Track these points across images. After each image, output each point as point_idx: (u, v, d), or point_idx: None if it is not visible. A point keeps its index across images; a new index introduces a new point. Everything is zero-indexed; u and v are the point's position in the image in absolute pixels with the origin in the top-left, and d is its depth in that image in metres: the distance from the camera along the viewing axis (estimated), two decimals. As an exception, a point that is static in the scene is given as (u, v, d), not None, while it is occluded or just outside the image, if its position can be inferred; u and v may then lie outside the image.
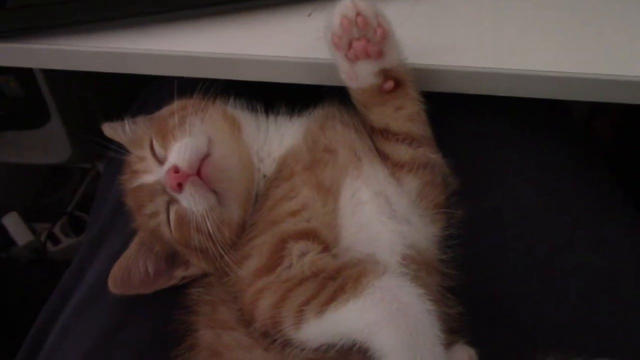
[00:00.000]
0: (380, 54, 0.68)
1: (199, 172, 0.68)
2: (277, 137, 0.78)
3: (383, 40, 0.67)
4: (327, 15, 0.68)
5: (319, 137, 0.75)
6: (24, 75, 1.15)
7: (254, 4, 0.78)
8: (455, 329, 0.66)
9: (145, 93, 1.09)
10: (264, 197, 0.73)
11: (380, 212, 0.69)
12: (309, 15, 0.78)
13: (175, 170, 0.66)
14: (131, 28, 0.78)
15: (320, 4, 0.77)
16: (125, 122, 0.82)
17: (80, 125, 1.26)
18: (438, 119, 0.76)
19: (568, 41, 0.72)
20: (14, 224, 1.64)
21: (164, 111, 0.79)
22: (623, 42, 0.71)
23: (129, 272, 0.74)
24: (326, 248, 0.66)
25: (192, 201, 0.67)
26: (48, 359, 0.78)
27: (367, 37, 0.66)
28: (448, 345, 0.60)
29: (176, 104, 0.76)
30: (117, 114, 0.84)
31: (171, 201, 0.70)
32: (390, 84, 0.71)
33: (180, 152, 0.68)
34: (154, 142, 0.73)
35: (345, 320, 0.57)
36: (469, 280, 0.71)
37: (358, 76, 0.71)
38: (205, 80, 0.77)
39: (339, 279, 0.60)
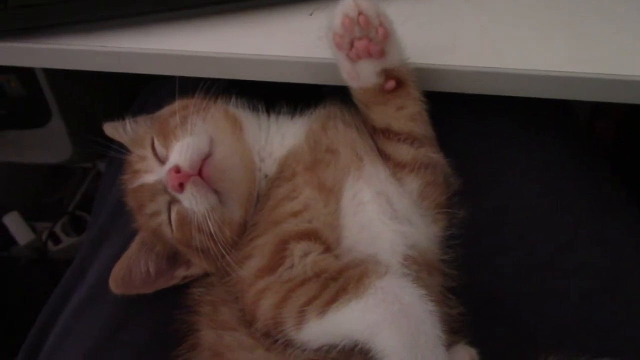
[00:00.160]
0: (382, 54, 0.68)
1: (201, 172, 0.67)
2: (279, 137, 0.78)
3: (385, 39, 0.67)
4: (329, 15, 0.67)
5: (321, 137, 0.75)
6: (25, 74, 1.15)
7: (255, 3, 0.78)
8: (457, 330, 0.66)
9: (147, 92, 1.09)
10: (266, 197, 0.73)
11: (382, 213, 0.69)
12: (311, 14, 0.77)
13: (177, 170, 0.66)
14: (132, 27, 0.78)
15: (321, 3, 0.77)
16: (127, 121, 0.83)
17: (81, 125, 1.25)
18: (439, 119, 0.76)
19: (570, 41, 0.72)
20: (15, 223, 1.64)
21: (166, 110, 0.79)
22: (626, 42, 0.71)
23: (130, 271, 0.74)
24: (328, 248, 0.66)
25: (193, 201, 0.67)
26: (48, 359, 0.78)
27: (369, 36, 0.66)
28: (449, 345, 0.60)
29: (177, 104, 0.76)
30: (118, 114, 0.84)
31: (172, 201, 0.70)
32: (391, 84, 0.71)
33: (181, 152, 0.68)
34: (155, 141, 0.73)
35: (347, 320, 0.57)
36: (471, 280, 0.71)
37: (360, 76, 0.71)
38: (206, 79, 0.77)
39: (341, 280, 0.60)
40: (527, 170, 0.84)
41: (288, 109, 0.81)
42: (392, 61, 0.69)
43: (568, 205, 0.81)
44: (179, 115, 0.72)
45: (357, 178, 0.71)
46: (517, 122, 0.87)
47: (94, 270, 0.85)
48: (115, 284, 0.73)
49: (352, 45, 0.67)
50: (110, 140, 0.82)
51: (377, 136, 0.76)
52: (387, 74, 0.71)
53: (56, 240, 1.67)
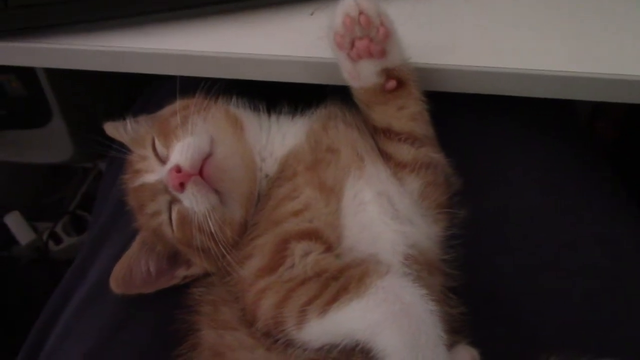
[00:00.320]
0: (382, 53, 0.68)
1: (201, 172, 0.67)
2: (280, 137, 0.78)
3: (386, 39, 0.67)
4: (330, 14, 0.67)
5: (322, 137, 0.75)
6: (26, 74, 1.15)
7: (255, 3, 0.78)
8: (458, 329, 0.66)
9: (147, 92, 1.09)
10: (266, 197, 0.73)
11: (383, 212, 0.69)
12: (312, 14, 0.77)
13: (178, 169, 0.66)
14: (132, 27, 0.78)
15: (322, 3, 0.77)
16: (127, 121, 0.82)
17: (82, 125, 1.26)
18: (440, 119, 0.76)
19: (570, 41, 0.72)
20: (16, 223, 1.64)
21: (166, 110, 0.79)
22: (626, 42, 0.71)
23: (131, 271, 0.74)
24: (329, 248, 0.66)
25: (194, 201, 0.67)
26: (49, 359, 0.78)
27: (369, 36, 0.66)
28: (451, 345, 0.60)
29: (178, 103, 0.76)
30: (119, 113, 0.84)
31: (173, 201, 0.70)
32: (392, 84, 0.71)
33: (182, 152, 0.68)
34: (156, 141, 0.73)
35: (348, 320, 0.57)
36: (471, 280, 0.71)
37: (360, 75, 0.71)
38: (207, 79, 0.77)
39: (342, 279, 0.60)
40: (529, 170, 0.84)
41: (289, 108, 0.81)
42: (393, 61, 0.69)
43: (569, 205, 0.81)
44: (180, 115, 0.72)
45: (358, 178, 0.71)
46: (519, 122, 0.87)
47: (94, 270, 0.85)
48: (116, 284, 0.73)
49: (353, 44, 0.67)
50: (111, 140, 0.82)
51: (378, 136, 0.76)
52: (388, 73, 0.70)
53: (57, 240, 1.67)
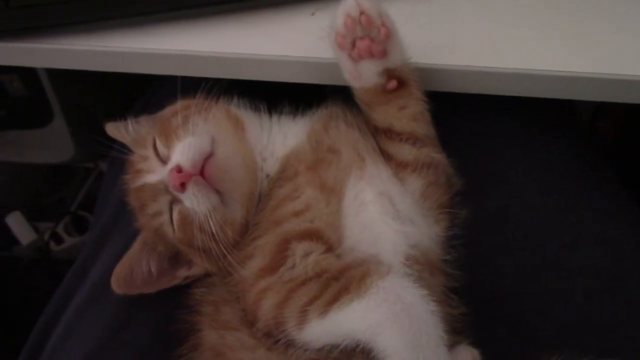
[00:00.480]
0: (383, 53, 0.68)
1: (202, 172, 0.67)
2: (281, 137, 0.78)
3: (387, 39, 0.67)
4: (331, 15, 0.67)
5: (323, 137, 0.75)
6: (28, 74, 1.15)
7: (256, 3, 0.78)
8: (459, 330, 0.66)
9: (148, 93, 1.09)
10: (267, 197, 0.73)
11: (384, 213, 0.69)
12: (313, 14, 0.77)
13: (178, 169, 0.66)
14: (133, 27, 0.78)
15: (323, 3, 0.77)
16: (128, 121, 0.83)
17: (83, 125, 1.26)
18: (441, 119, 0.76)
19: (570, 41, 0.72)
20: (17, 223, 1.64)
21: (167, 111, 0.79)
22: (626, 42, 0.71)
23: (132, 271, 0.74)
24: (330, 248, 0.66)
25: (195, 201, 0.67)
26: (51, 359, 0.78)
27: (370, 36, 0.66)
28: (452, 346, 0.60)
29: (179, 104, 0.76)
30: (120, 114, 0.84)
31: (174, 201, 0.70)
32: (393, 84, 0.71)
33: (183, 152, 0.68)
34: (157, 141, 0.73)
35: (349, 320, 0.57)
36: (472, 280, 0.71)
37: (362, 76, 0.71)
38: (208, 79, 0.77)
39: (343, 280, 0.60)
40: (529, 170, 0.84)
41: (290, 109, 0.81)
42: (394, 61, 0.69)
43: (570, 205, 0.81)
44: (181, 115, 0.72)
45: (359, 178, 0.71)
46: (520, 122, 0.87)
47: (96, 270, 0.85)
48: (117, 284, 0.73)
49: (354, 45, 0.67)
50: (112, 141, 0.82)
51: (379, 136, 0.76)
52: (389, 73, 0.70)
53: (58, 240, 1.68)
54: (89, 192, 1.74)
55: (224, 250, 0.68)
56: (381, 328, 0.55)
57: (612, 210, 0.82)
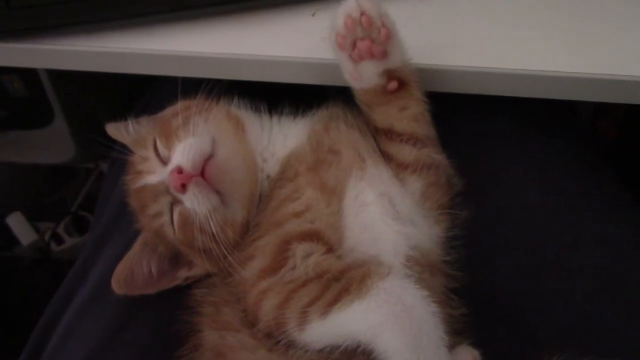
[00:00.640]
0: (384, 54, 0.68)
1: (203, 173, 0.67)
2: (281, 138, 0.78)
3: (387, 40, 0.67)
4: (331, 15, 0.67)
5: (323, 138, 0.75)
6: (28, 75, 1.15)
7: (257, 3, 0.78)
8: (460, 331, 0.66)
9: (149, 93, 1.09)
10: (268, 198, 0.73)
11: (384, 213, 0.69)
12: (313, 15, 0.77)
13: (179, 170, 0.66)
14: (134, 28, 0.78)
15: (324, 3, 0.77)
16: (129, 122, 0.82)
17: (84, 126, 1.26)
18: (442, 119, 0.76)
19: (570, 41, 0.72)
20: (18, 223, 1.64)
21: (168, 111, 0.79)
22: (626, 42, 0.71)
23: (133, 272, 0.74)
24: (330, 249, 0.66)
25: (195, 202, 0.67)
26: (51, 359, 0.78)
27: (371, 37, 0.66)
28: (452, 346, 0.60)
29: (180, 105, 0.76)
30: (120, 114, 0.84)
31: (175, 202, 0.70)
32: (394, 84, 0.71)
33: (183, 153, 0.68)
34: (158, 142, 0.73)
35: (349, 321, 0.57)
36: (472, 281, 0.71)
37: (362, 76, 0.71)
38: (208, 80, 0.77)
39: (343, 280, 0.60)
40: (530, 169, 0.84)
41: (290, 109, 0.81)
42: (394, 62, 0.69)
43: (571, 205, 0.81)
44: (181, 116, 0.72)
45: (360, 179, 0.71)
46: (520, 122, 0.87)
47: (96, 271, 0.85)
48: (118, 285, 0.73)
49: (354, 45, 0.67)
50: (113, 141, 0.82)
51: (380, 137, 0.76)
52: (390, 74, 0.70)
53: (59, 241, 1.68)
54: (90, 192, 1.74)
55: (224, 251, 0.68)
56: (382, 329, 0.55)
57: (612, 210, 0.82)
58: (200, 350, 0.69)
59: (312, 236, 0.66)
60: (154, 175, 0.72)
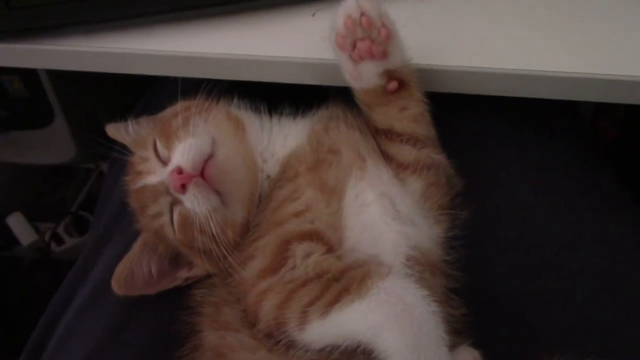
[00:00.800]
0: (384, 55, 0.68)
1: (203, 173, 0.67)
2: (281, 138, 0.78)
3: (387, 40, 0.67)
4: (331, 16, 0.67)
5: (323, 138, 0.75)
6: (28, 75, 1.15)
7: (257, 4, 0.78)
8: (460, 331, 0.66)
9: (149, 94, 1.09)
10: (268, 198, 0.73)
11: (384, 213, 0.69)
12: (313, 15, 0.77)
13: (179, 171, 0.66)
14: (134, 28, 0.78)
15: (324, 4, 0.77)
16: (129, 122, 0.82)
17: (84, 126, 1.25)
18: (442, 119, 0.76)
19: (570, 41, 0.71)
20: (18, 223, 1.64)
21: (168, 112, 0.79)
22: (626, 42, 0.71)
23: (133, 272, 0.74)
24: (330, 249, 0.66)
25: (195, 202, 0.67)
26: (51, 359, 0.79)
27: (371, 37, 0.66)
28: (453, 347, 0.60)
29: (180, 105, 0.76)
30: (120, 115, 0.84)
31: (175, 202, 0.70)
32: (394, 85, 0.71)
33: (183, 153, 0.68)
34: (158, 143, 0.73)
35: (350, 321, 0.57)
36: (473, 281, 0.71)
37: (362, 77, 0.71)
38: (208, 80, 0.77)
39: (343, 280, 0.60)
40: (529, 170, 0.84)
41: (290, 109, 0.81)
42: (394, 62, 0.69)
43: (571, 205, 0.81)
44: (181, 116, 0.72)
45: (360, 179, 0.71)
46: (520, 123, 0.87)
47: (96, 271, 0.85)
48: (118, 285, 0.73)
49: (354, 46, 0.67)
50: (113, 142, 0.82)
51: (380, 137, 0.76)
52: (390, 75, 0.70)
53: (59, 241, 1.68)
54: (90, 192, 1.74)
55: (224, 251, 0.68)
56: (382, 329, 0.55)
57: (612, 210, 0.82)
58: (200, 350, 0.69)
59: (312, 236, 0.66)
60: (154, 175, 0.72)
